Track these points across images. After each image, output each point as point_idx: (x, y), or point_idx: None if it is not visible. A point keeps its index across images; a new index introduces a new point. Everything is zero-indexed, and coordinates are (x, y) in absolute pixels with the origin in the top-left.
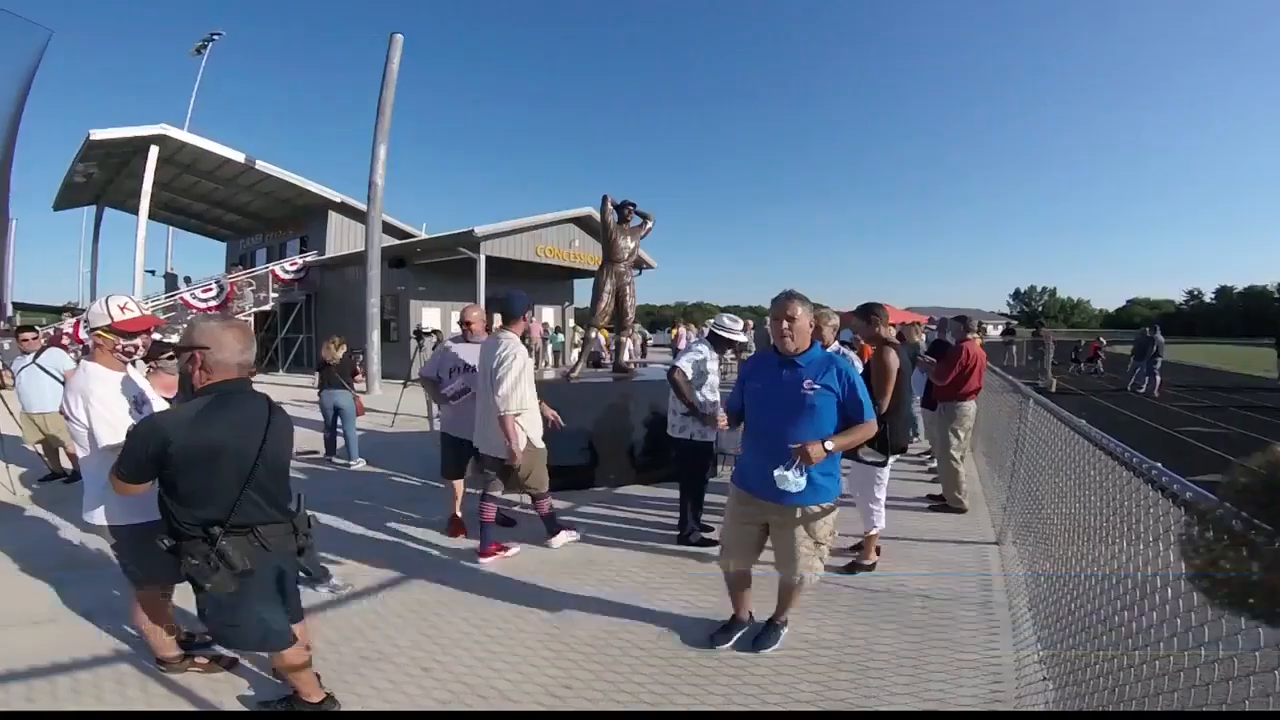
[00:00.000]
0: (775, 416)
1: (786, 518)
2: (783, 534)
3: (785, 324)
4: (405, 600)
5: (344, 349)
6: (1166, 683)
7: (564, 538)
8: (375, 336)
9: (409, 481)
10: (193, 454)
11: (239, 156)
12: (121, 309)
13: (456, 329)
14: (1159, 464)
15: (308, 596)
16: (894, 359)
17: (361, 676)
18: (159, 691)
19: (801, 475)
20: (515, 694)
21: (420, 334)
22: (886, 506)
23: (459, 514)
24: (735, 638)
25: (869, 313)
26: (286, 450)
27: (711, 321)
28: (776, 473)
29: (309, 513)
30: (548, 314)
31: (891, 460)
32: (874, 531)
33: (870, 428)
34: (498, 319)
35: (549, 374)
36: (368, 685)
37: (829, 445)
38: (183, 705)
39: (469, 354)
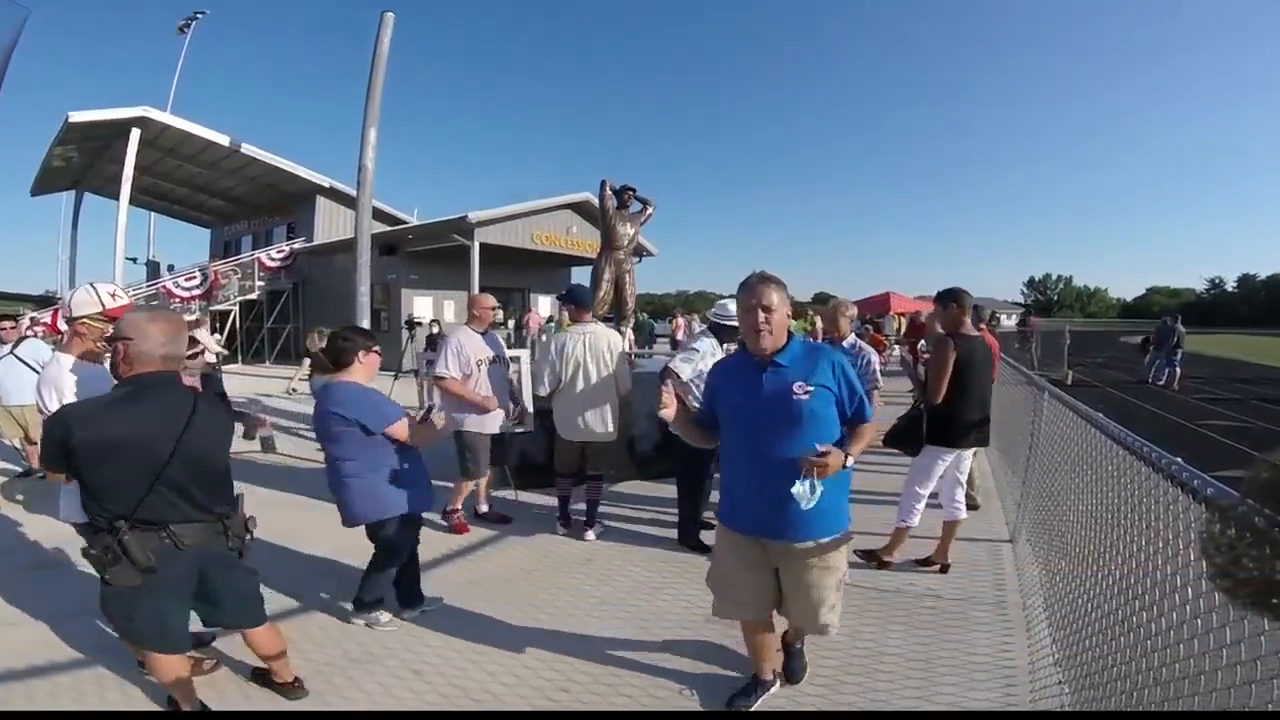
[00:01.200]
0: (765, 434)
1: (800, 556)
2: (798, 576)
3: (761, 315)
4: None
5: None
6: (1187, 686)
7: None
8: (365, 326)
9: None
10: (93, 447)
11: (223, 140)
12: (112, 295)
13: (450, 319)
14: (1179, 459)
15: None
16: (949, 352)
17: (350, 680)
18: (137, 695)
19: (815, 491)
20: (509, 697)
21: (412, 324)
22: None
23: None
24: (759, 701)
25: (950, 299)
26: (214, 448)
27: (712, 311)
28: (796, 487)
29: (249, 515)
30: (544, 304)
31: (953, 456)
32: (905, 525)
33: (873, 428)
34: (566, 314)
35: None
36: (356, 689)
37: (849, 459)
38: (165, 707)
39: (492, 346)
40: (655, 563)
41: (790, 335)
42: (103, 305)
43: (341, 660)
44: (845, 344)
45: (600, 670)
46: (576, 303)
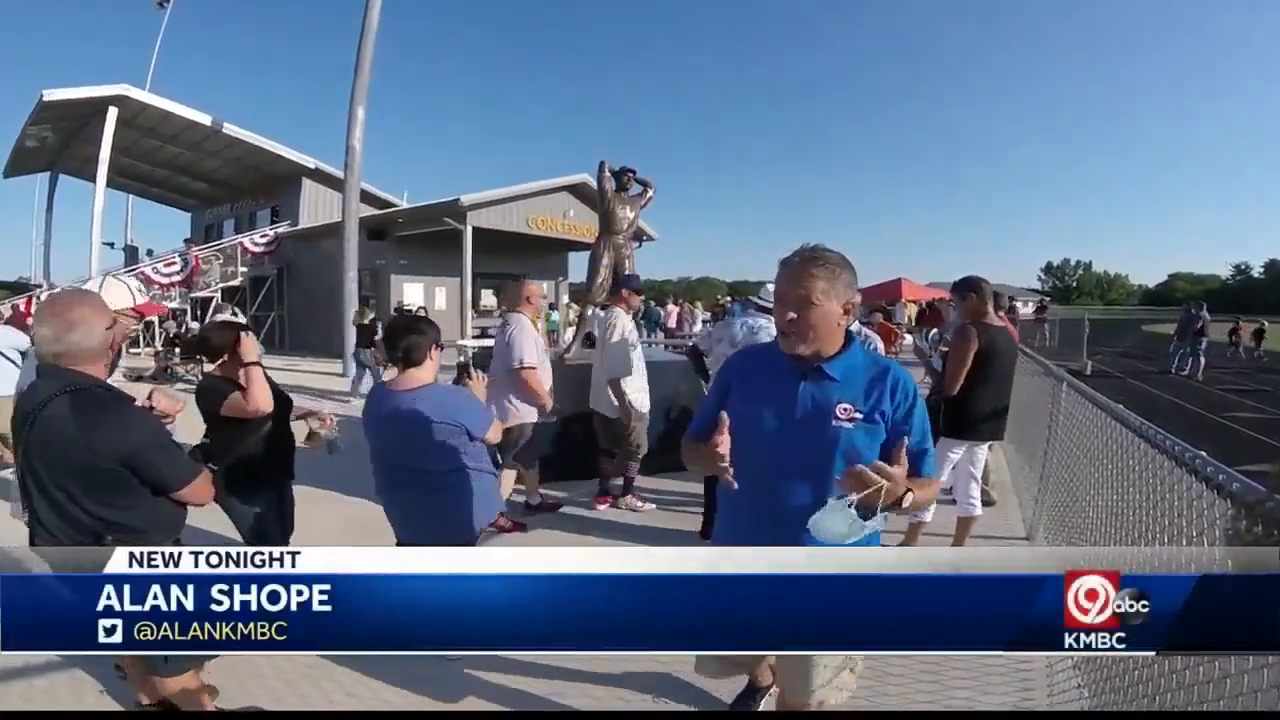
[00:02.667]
0: (785, 467)
1: None
2: None
3: (789, 312)
4: None
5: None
6: (1211, 689)
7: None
8: (352, 314)
9: None
10: None
11: (205, 119)
12: (141, 290)
13: (442, 306)
14: (1203, 452)
15: None
16: (970, 343)
17: (338, 684)
18: (110, 704)
19: (861, 521)
20: (507, 699)
21: (402, 311)
22: None
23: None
24: (759, 706)
25: (968, 289)
26: (65, 459)
27: (756, 297)
28: (816, 517)
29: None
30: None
31: (964, 448)
32: (919, 522)
33: (934, 488)
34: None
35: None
36: (343, 693)
37: (911, 497)
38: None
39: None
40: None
41: (849, 338)
42: (134, 301)
43: (329, 660)
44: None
45: (600, 673)
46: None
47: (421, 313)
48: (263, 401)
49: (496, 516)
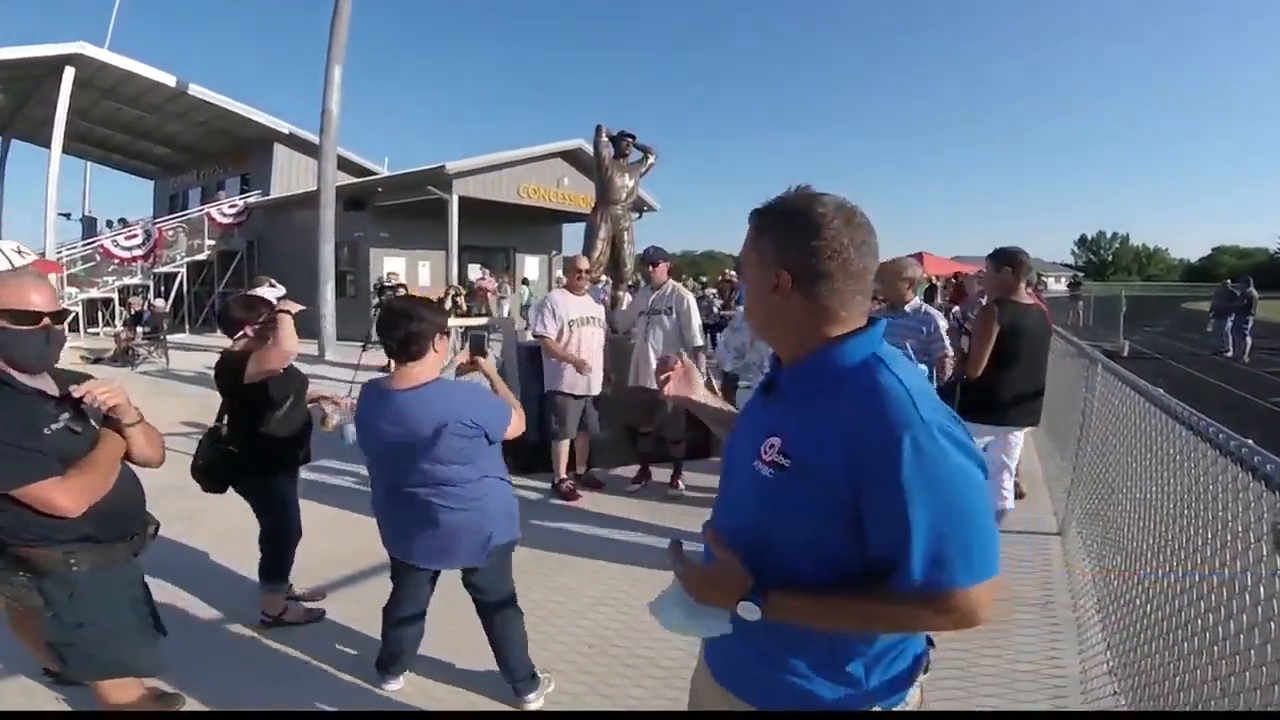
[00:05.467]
0: (726, 504)
1: None
2: None
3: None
4: (367, 597)
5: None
6: (1259, 696)
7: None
8: (329, 291)
9: None
10: None
11: (169, 80)
12: (18, 252)
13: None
14: (1250, 441)
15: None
16: (993, 321)
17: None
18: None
19: (671, 613)
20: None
21: (383, 288)
22: None
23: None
24: None
25: (1004, 261)
26: None
27: None
28: (651, 603)
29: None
30: (531, 265)
31: (993, 435)
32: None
33: (927, 610)
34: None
35: (529, 335)
36: (331, 695)
37: (747, 604)
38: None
39: (588, 308)
40: (654, 560)
41: (854, 333)
42: (11, 265)
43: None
44: (908, 308)
45: (597, 678)
46: (660, 262)
47: (401, 289)
48: (291, 344)
49: (518, 533)
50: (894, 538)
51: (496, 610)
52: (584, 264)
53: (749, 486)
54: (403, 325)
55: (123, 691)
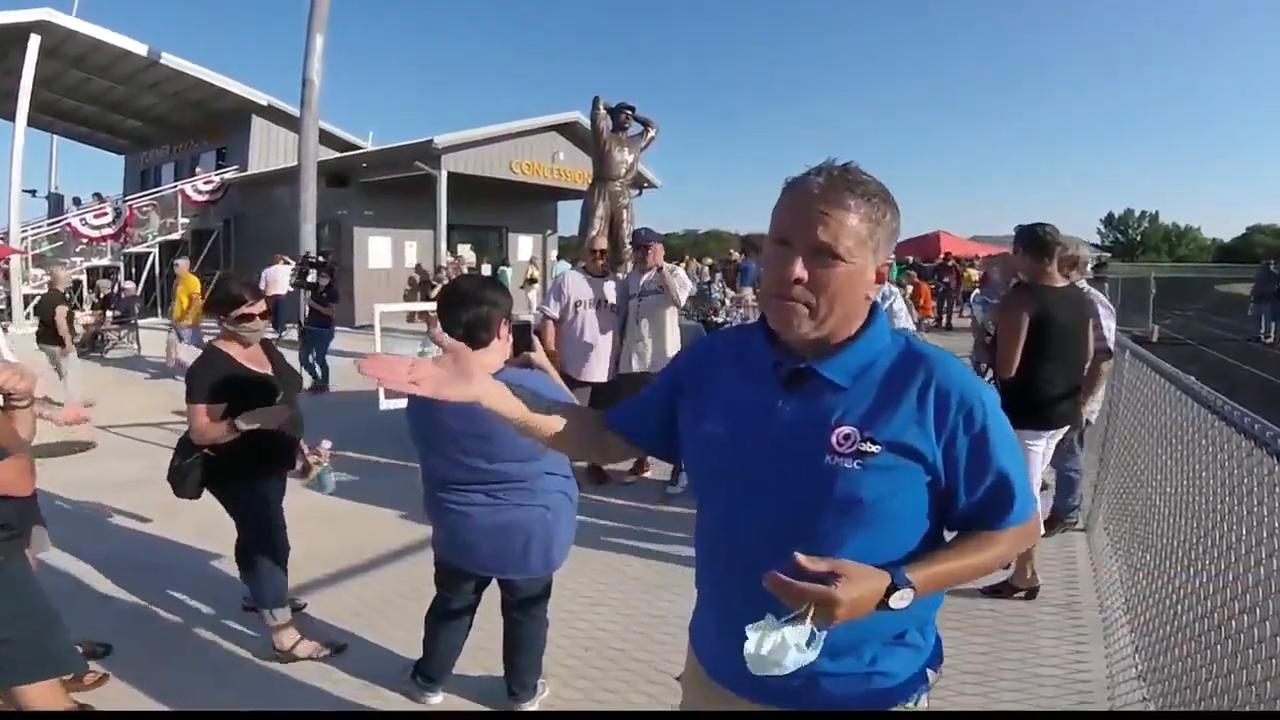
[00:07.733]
0: (761, 509)
1: None
2: None
3: (796, 264)
4: (364, 595)
5: None
6: None
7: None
8: (311, 272)
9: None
10: None
11: (140, 49)
12: None
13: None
14: None
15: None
16: (1021, 313)
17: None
18: (140, 694)
19: (808, 644)
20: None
21: (309, 264)
22: None
23: None
24: None
25: (1033, 243)
26: None
27: None
28: (750, 633)
29: None
30: (525, 244)
31: (1045, 439)
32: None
33: (1005, 548)
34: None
35: (525, 316)
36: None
37: (902, 591)
38: None
39: (602, 290)
40: (653, 559)
41: (874, 313)
42: None
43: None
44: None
45: (596, 681)
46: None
47: (322, 259)
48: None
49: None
50: (994, 483)
51: (531, 618)
52: (602, 243)
53: (817, 485)
54: (470, 308)
55: (53, 693)
